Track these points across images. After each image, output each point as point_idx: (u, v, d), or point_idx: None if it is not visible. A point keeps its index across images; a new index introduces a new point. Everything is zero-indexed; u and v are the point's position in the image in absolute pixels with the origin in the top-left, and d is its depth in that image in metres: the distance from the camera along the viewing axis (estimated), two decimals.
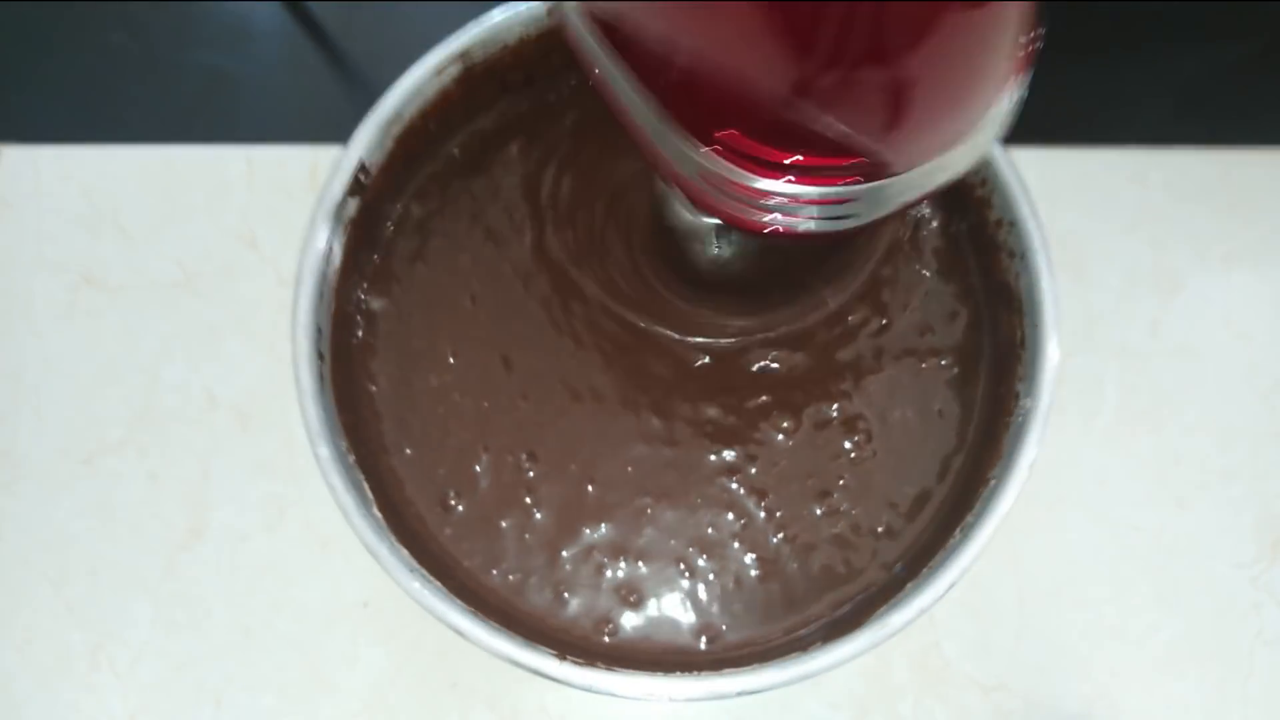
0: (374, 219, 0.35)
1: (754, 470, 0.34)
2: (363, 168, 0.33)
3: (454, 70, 0.33)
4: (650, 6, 0.20)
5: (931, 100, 0.20)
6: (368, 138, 0.33)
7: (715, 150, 0.22)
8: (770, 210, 0.23)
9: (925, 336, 0.35)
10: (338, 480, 0.30)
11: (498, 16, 0.33)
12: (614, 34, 0.22)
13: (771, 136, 0.21)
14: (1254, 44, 0.47)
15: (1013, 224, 0.33)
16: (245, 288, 0.43)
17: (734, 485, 0.34)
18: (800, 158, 0.21)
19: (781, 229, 0.24)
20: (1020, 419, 0.31)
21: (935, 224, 0.36)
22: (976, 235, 0.35)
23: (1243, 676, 0.39)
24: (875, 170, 0.22)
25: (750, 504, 0.34)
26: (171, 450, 0.41)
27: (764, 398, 0.35)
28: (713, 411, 0.35)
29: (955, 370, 0.35)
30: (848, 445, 0.35)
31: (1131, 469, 0.41)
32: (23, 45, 0.49)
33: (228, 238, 0.44)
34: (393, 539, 0.30)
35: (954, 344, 0.35)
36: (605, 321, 0.36)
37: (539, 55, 0.35)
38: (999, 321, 0.34)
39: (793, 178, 0.22)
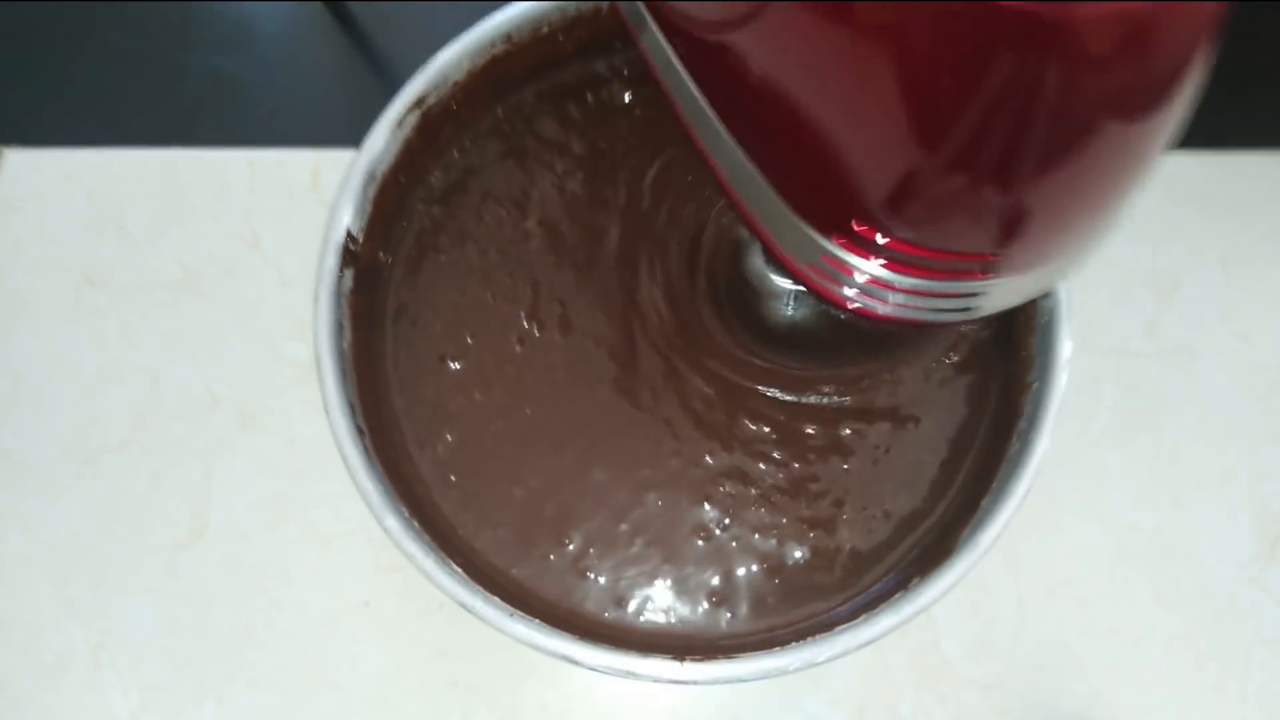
0: (373, 283, 0.36)
1: (767, 466, 0.35)
2: (350, 237, 0.33)
3: (413, 119, 0.34)
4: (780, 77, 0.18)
5: (1051, 222, 0.19)
6: (349, 206, 0.33)
7: (841, 242, 0.20)
8: (857, 289, 0.22)
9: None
10: (414, 547, 0.30)
11: (443, 55, 0.33)
12: (723, 95, 0.20)
13: (876, 219, 0.20)
14: (1252, 47, 0.47)
15: None
16: (247, 288, 0.43)
17: (749, 481, 0.35)
18: (901, 245, 0.20)
19: (863, 309, 0.22)
20: (1044, 318, 0.32)
21: None
22: None
23: (1241, 675, 0.39)
24: (974, 273, 0.20)
25: (767, 498, 0.34)
26: (173, 450, 0.41)
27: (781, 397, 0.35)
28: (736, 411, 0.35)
29: (965, 361, 0.36)
30: (861, 443, 0.35)
31: (1129, 469, 0.41)
32: (25, 48, 0.49)
33: (230, 239, 0.44)
34: (484, 591, 0.30)
35: (967, 341, 0.36)
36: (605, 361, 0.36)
37: (486, 85, 0.35)
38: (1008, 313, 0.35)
39: (887, 262, 0.20)
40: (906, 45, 0.16)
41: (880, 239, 0.20)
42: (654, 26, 0.21)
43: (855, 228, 0.20)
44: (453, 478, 0.35)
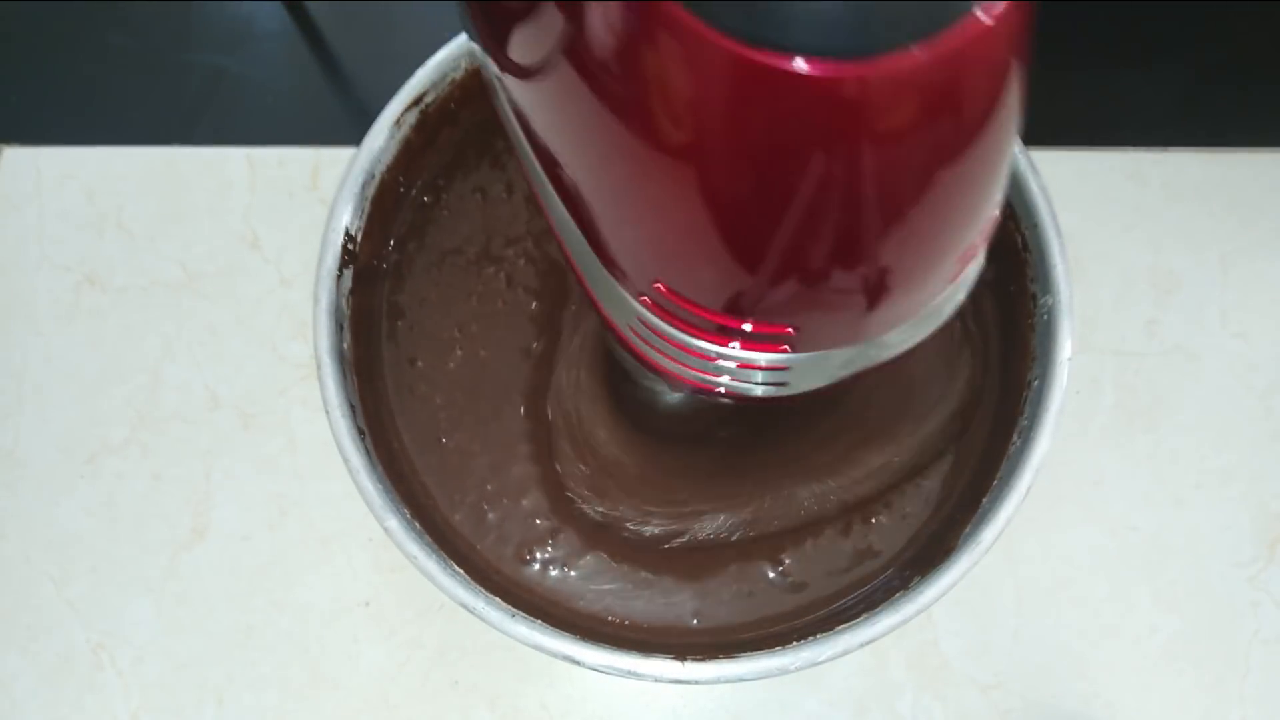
0: (372, 282, 0.36)
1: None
2: (350, 237, 0.33)
3: (411, 118, 0.34)
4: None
5: (870, 294, 0.18)
6: (348, 206, 0.33)
7: (644, 301, 0.20)
8: (707, 371, 0.22)
9: None
10: (415, 548, 0.30)
11: (441, 53, 0.33)
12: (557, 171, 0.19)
13: (701, 298, 0.19)
14: (1252, 46, 0.47)
15: None
16: (247, 288, 0.43)
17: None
18: (728, 323, 0.19)
19: (691, 381, 0.22)
20: (1044, 315, 0.32)
21: None
22: None
23: (1240, 675, 0.39)
24: (809, 343, 0.20)
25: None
26: (174, 450, 0.41)
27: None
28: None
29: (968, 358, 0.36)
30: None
31: (1129, 469, 0.41)
32: (24, 46, 0.49)
33: (230, 238, 0.44)
34: (485, 591, 0.30)
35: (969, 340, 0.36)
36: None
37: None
38: (997, 234, 0.35)
39: (692, 329, 0.20)
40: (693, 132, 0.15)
41: (681, 305, 0.19)
42: (496, 81, 0.21)
43: (657, 288, 0.19)
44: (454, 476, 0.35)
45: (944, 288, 0.20)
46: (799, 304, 0.18)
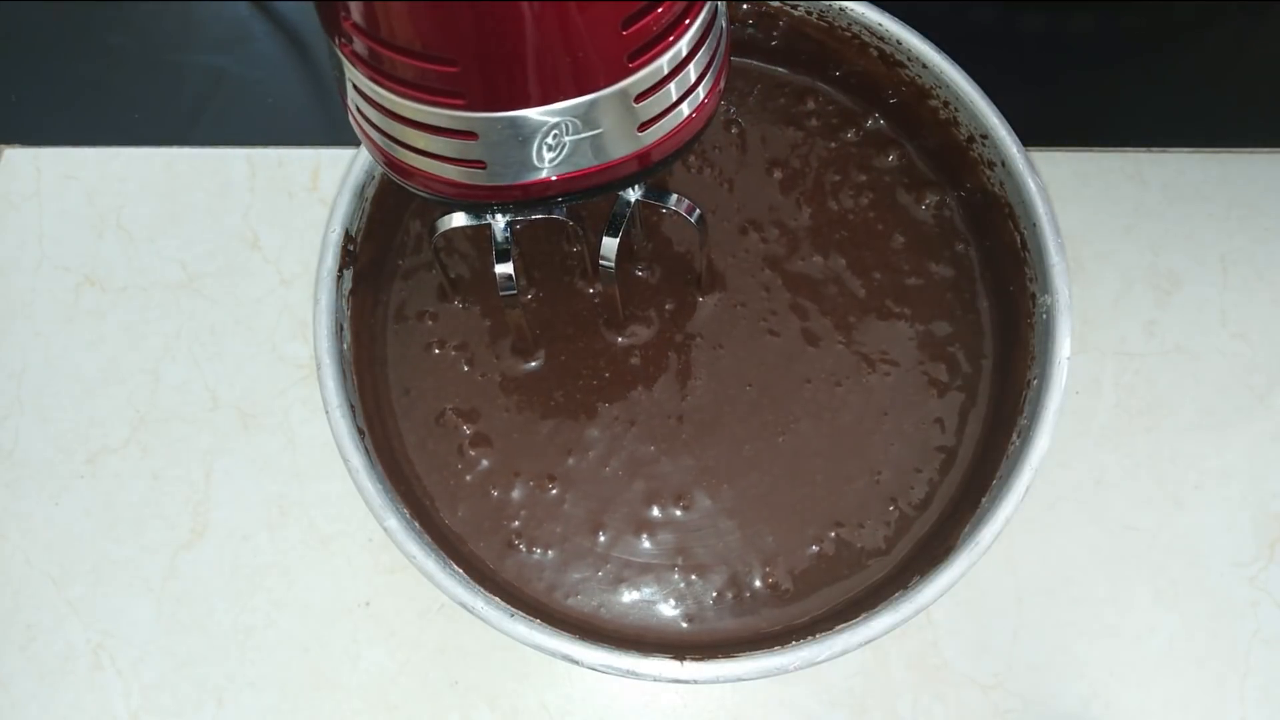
0: (372, 282, 0.36)
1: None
2: (349, 238, 0.33)
3: None
4: None
5: (524, 36, 0.19)
6: (348, 206, 0.33)
7: (343, 47, 0.21)
8: (377, 129, 0.23)
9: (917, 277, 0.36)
10: (414, 548, 0.30)
11: None
12: None
13: (370, 27, 0.20)
14: (1252, 46, 0.47)
15: (985, 136, 0.33)
16: (247, 288, 0.43)
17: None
18: (370, 40, 0.20)
19: (388, 154, 0.23)
20: (1043, 315, 0.32)
21: (895, 155, 0.37)
22: (948, 155, 0.36)
23: (1240, 675, 0.39)
24: (453, 98, 0.21)
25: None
26: (174, 450, 0.41)
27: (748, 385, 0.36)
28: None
29: (960, 291, 0.36)
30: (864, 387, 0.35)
31: (1128, 468, 0.41)
32: (24, 46, 0.49)
33: (230, 238, 0.44)
34: (485, 591, 0.30)
35: (950, 271, 0.36)
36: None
37: None
38: (996, 234, 0.35)
39: (402, 89, 0.21)
40: None
41: (359, 37, 0.20)
42: None
43: (344, 23, 0.20)
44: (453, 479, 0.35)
45: (604, 66, 0.21)
46: (438, 25, 0.19)
